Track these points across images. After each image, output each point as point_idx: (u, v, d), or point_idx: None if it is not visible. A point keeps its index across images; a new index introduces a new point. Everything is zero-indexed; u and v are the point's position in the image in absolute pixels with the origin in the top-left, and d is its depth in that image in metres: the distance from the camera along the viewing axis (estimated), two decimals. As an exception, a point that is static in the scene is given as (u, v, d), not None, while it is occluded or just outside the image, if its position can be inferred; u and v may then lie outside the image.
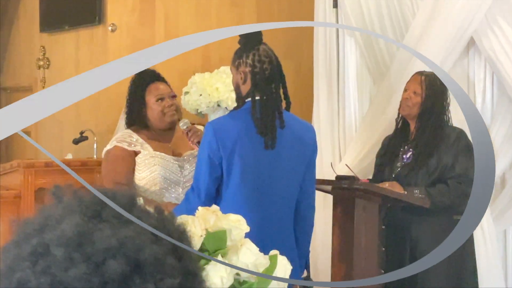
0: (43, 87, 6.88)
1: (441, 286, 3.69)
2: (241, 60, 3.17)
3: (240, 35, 3.21)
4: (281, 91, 3.20)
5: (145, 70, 3.60)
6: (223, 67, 5.31)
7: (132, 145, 3.54)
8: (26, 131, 7.25)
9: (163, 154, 3.55)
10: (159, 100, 3.54)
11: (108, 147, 3.57)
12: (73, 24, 6.48)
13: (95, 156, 5.55)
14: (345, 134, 4.56)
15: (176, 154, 3.60)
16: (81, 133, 5.62)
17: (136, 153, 3.54)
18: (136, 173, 3.51)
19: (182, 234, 0.83)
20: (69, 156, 5.59)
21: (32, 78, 7.03)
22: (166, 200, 3.49)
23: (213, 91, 5.13)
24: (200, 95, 5.10)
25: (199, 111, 5.14)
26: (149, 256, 0.76)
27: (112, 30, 6.09)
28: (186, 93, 5.13)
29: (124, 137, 3.56)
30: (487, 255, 4.04)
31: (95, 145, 5.68)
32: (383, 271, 3.73)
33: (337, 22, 4.63)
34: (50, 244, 0.75)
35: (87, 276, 0.73)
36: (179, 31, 5.98)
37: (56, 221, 0.78)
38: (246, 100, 3.14)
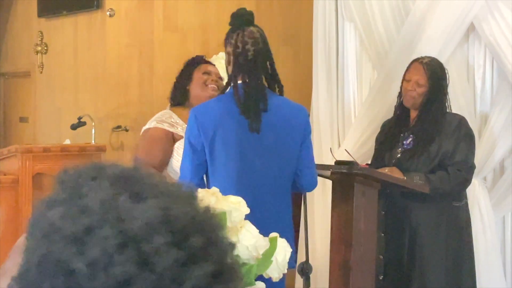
0: (41, 73, 6.86)
1: (439, 272, 3.69)
2: (227, 41, 3.10)
3: (231, 15, 3.17)
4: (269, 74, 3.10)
5: (199, 55, 3.83)
6: (221, 53, 5.28)
7: (173, 126, 3.51)
8: (24, 117, 7.24)
9: None
10: (205, 74, 3.63)
11: (147, 126, 3.55)
12: (71, 9, 6.45)
13: (93, 141, 5.55)
14: (344, 120, 4.55)
15: None
16: (79, 118, 5.61)
17: (175, 136, 3.50)
18: (177, 157, 3.42)
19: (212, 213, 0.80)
20: (68, 142, 5.58)
21: (30, 63, 7.01)
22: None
23: (212, 76, 5.11)
24: (199, 80, 5.09)
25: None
26: (198, 242, 0.73)
27: (111, 15, 6.06)
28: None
29: (165, 117, 3.54)
30: (486, 241, 4.04)
31: (93, 130, 5.67)
32: (381, 257, 3.74)
33: (337, 8, 4.61)
34: (137, 233, 0.70)
35: (180, 258, 0.71)
36: (177, 16, 5.96)
37: (121, 208, 0.72)
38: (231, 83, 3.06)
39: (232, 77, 3.04)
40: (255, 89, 3.02)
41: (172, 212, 0.73)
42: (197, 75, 3.64)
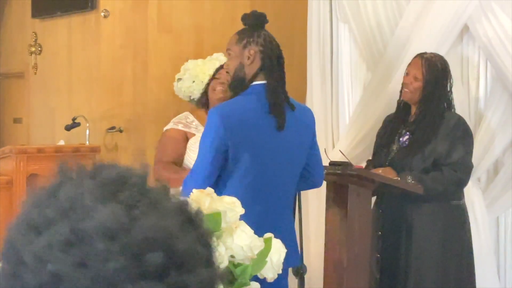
0: (35, 74, 6.84)
1: (436, 271, 3.69)
2: (251, 39, 3.10)
3: (247, 15, 3.19)
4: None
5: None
6: (216, 54, 5.28)
7: (187, 126, 3.78)
8: (18, 118, 7.22)
9: None
10: (216, 79, 3.82)
11: (167, 127, 3.86)
12: (66, 10, 6.43)
13: (87, 142, 5.54)
14: (339, 121, 4.56)
15: None
16: (73, 119, 5.60)
17: (188, 135, 3.75)
18: (190, 154, 3.65)
19: (202, 220, 0.79)
20: (62, 143, 5.57)
21: (24, 64, 6.99)
22: None
23: (206, 77, 5.10)
24: (193, 81, 5.08)
25: (192, 97, 5.13)
26: (183, 247, 0.73)
27: (105, 16, 6.05)
28: (179, 79, 5.11)
29: (181, 118, 3.84)
30: (480, 242, 4.05)
31: (87, 131, 5.66)
32: (378, 255, 3.75)
33: (331, 9, 4.62)
34: (86, 233, 0.70)
35: (127, 270, 0.69)
36: (172, 17, 5.95)
37: (86, 207, 0.72)
38: (252, 84, 3.07)
39: (259, 77, 3.08)
40: (281, 88, 3.08)
41: (140, 223, 0.71)
42: (212, 81, 3.87)
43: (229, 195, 2.54)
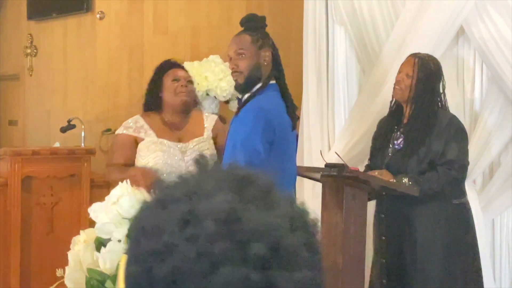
0: (31, 75, 6.83)
1: (442, 273, 3.67)
2: (264, 41, 3.20)
3: (249, 17, 3.24)
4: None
5: (169, 59, 3.93)
6: (212, 56, 5.28)
7: (136, 131, 3.73)
8: (13, 120, 7.21)
9: (165, 140, 3.67)
10: (174, 81, 3.72)
11: (118, 131, 3.84)
12: (61, 12, 6.42)
13: (82, 145, 5.52)
14: (335, 122, 4.55)
15: (183, 141, 3.71)
16: (69, 121, 5.58)
17: (137, 140, 3.72)
18: (139, 158, 3.67)
19: (315, 228, 0.84)
20: (57, 145, 5.56)
21: (20, 66, 6.97)
22: None
23: (202, 80, 5.11)
24: (189, 83, 5.08)
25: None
26: (288, 245, 0.78)
27: (101, 18, 6.04)
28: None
29: (131, 122, 3.77)
30: (475, 244, 4.04)
31: (82, 133, 5.64)
32: (384, 260, 3.74)
33: (327, 10, 4.62)
34: (201, 214, 0.78)
35: (231, 254, 0.76)
36: (168, 19, 5.95)
37: (207, 192, 0.80)
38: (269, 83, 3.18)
39: (275, 77, 3.20)
40: (288, 89, 3.23)
41: (251, 215, 0.78)
42: (167, 82, 3.75)
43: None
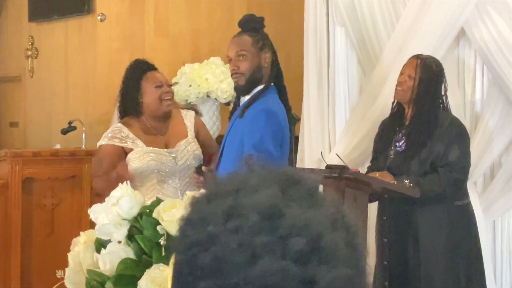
0: (32, 77, 6.84)
1: (445, 275, 3.66)
2: (265, 43, 3.19)
3: (253, 19, 3.23)
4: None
5: (141, 60, 3.72)
6: (212, 58, 5.28)
7: (123, 141, 3.57)
8: (14, 122, 7.21)
9: (156, 149, 3.57)
10: (158, 87, 3.58)
11: (101, 142, 3.63)
12: (62, 14, 6.43)
13: (83, 146, 5.52)
14: (335, 124, 4.55)
15: (169, 146, 3.63)
16: (70, 123, 5.58)
17: (125, 150, 3.57)
18: (131, 164, 3.53)
19: (357, 230, 0.87)
20: (58, 146, 5.56)
21: (21, 68, 6.98)
22: (165, 192, 3.49)
23: (203, 81, 5.11)
24: (190, 85, 5.08)
25: (188, 101, 5.13)
26: (328, 242, 0.80)
27: (101, 20, 6.05)
28: (176, 83, 5.11)
29: (115, 133, 3.59)
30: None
31: (83, 135, 5.64)
32: (386, 263, 3.73)
33: (327, 12, 4.61)
34: (245, 208, 0.81)
35: (271, 246, 0.78)
36: (169, 21, 5.96)
37: (252, 188, 0.83)
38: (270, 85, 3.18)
39: (275, 79, 3.19)
40: (286, 91, 3.24)
41: (293, 211, 0.81)
42: (148, 88, 3.60)
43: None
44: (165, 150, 3.59)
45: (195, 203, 0.87)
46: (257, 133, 3.05)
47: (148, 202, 3.32)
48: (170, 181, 3.54)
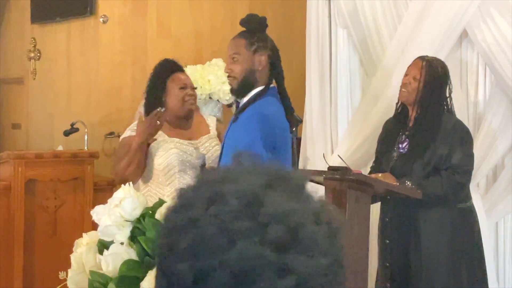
0: (34, 79, 6.84)
1: (447, 277, 3.66)
2: (261, 44, 3.14)
3: (249, 19, 3.20)
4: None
5: (169, 60, 3.78)
6: (215, 60, 5.28)
7: None
8: (17, 123, 7.22)
9: (177, 138, 3.63)
10: (182, 88, 3.64)
11: (123, 135, 3.74)
12: (65, 16, 6.44)
13: (86, 148, 5.53)
14: (338, 126, 4.55)
15: (193, 139, 3.69)
16: (72, 124, 5.59)
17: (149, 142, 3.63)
18: (153, 158, 3.59)
19: (339, 226, 0.88)
20: (60, 148, 5.57)
21: (23, 69, 6.99)
22: (184, 182, 3.52)
23: (205, 83, 5.11)
24: (192, 87, 5.08)
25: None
26: (308, 234, 0.81)
27: (104, 22, 6.06)
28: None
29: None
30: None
31: (85, 136, 5.65)
32: (388, 264, 3.72)
33: (330, 14, 4.61)
34: (227, 195, 0.82)
35: (250, 232, 0.80)
36: (171, 22, 5.96)
37: (237, 178, 0.85)
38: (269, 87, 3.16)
39: (273, 80, 3.17)
40: (286, 92, 3.21)
41: (274, 200, 0.82)
42: (173, 89, 3.65)
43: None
44: (187, 141, 3.64)
45: (181, 193, 0.89)
46: (248, 137, 3.06)
47: (169, 192, 3.35)
48: (190, 172, 3.58)
